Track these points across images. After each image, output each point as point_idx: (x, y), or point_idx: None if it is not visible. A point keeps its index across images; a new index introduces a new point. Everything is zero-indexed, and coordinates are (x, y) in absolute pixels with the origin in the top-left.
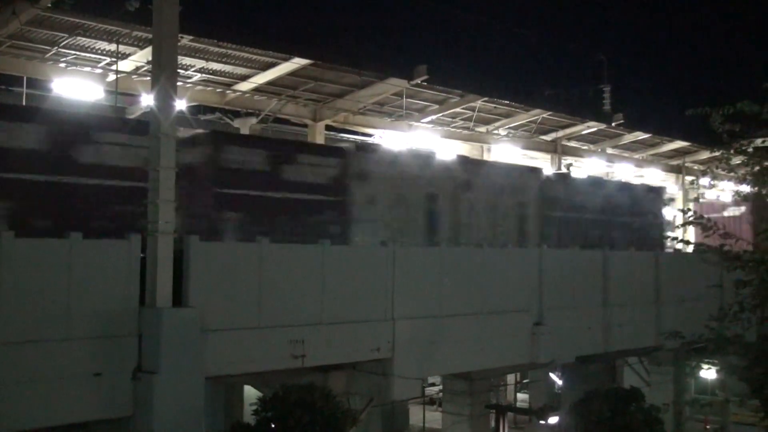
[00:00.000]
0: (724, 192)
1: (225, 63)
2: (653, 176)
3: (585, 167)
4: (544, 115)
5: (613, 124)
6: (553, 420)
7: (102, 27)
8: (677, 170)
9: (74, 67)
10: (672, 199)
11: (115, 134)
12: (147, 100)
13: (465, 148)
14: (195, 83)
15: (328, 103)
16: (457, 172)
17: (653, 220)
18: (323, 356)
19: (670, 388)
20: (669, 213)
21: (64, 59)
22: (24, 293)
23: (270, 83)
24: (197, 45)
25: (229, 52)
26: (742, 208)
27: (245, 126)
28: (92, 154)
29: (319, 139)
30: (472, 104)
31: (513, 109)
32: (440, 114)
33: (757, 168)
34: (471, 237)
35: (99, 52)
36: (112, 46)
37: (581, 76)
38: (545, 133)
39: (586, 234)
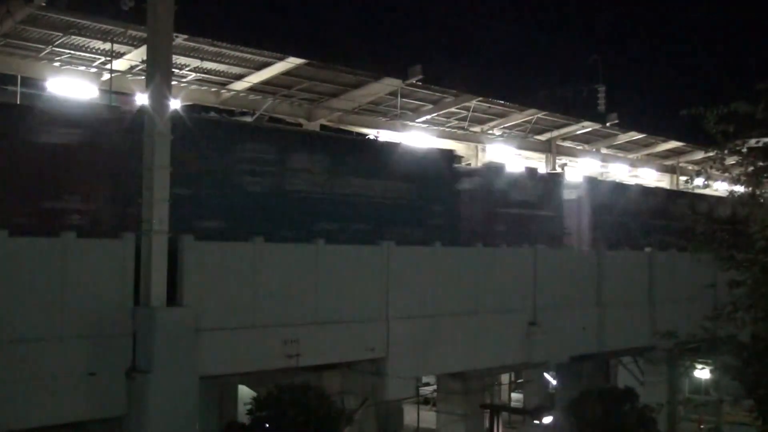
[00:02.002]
0: (718, 192)
1: (220, 62)
2: (648, 176)
3: (579, 167)
4: (539, 115)
5: (608, 124)
6: (547, 420)
7: (96, 26)
8: (671, 170)
9: (69, 66)
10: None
11: None
12: (142, 99)
13: (459, 148)
14: (190, 82)
15: (322, 102)
16: None
17: (552, 212)
18: (318, 356)
19: (664, 387)
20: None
21: (58, 58)
22: (18, 292)
23: (265, 82)
24: (192, 44)
25: (224, 51)
26: None
27: None
28: None
29: None
30: (467, 104)
31: (508, 109)
32: (435, 114)
33: (751, 168)
34: None
35: (93, 51)
36: (107, 45)
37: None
38: (540, 133)
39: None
